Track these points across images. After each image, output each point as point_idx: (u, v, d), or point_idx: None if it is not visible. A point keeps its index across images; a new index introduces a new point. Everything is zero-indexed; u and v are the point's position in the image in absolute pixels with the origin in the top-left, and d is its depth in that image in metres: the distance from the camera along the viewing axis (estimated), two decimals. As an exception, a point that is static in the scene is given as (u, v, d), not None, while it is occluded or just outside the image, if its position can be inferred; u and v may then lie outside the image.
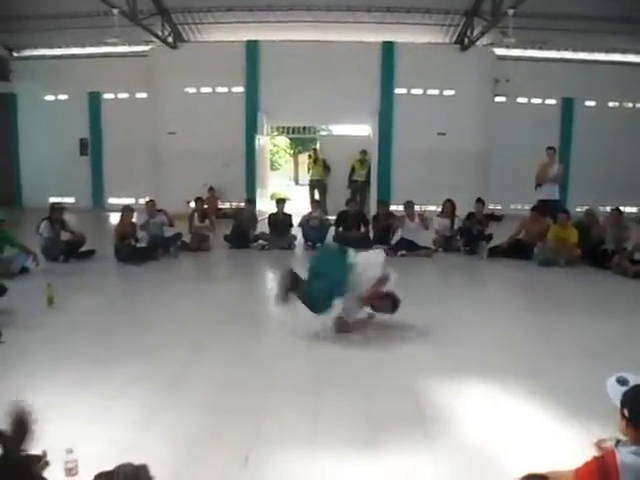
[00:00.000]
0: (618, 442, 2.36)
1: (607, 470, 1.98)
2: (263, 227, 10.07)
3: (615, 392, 2.23)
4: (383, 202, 10.84)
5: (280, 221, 9.82)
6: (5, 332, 4.61)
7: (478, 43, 13.56)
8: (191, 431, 3.11)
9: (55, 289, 5.73)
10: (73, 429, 2.99)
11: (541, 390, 3.69)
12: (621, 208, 8.91)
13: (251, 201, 10.73)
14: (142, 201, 13.81)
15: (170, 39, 14.01)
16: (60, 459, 2.52)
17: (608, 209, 9.60)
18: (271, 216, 10.08)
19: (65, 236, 8.44)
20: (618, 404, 2.18)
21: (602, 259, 8.09)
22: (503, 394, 3.67)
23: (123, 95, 15.66)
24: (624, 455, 2.00)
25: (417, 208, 9.76)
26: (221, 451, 2.90)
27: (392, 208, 10.57)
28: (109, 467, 2.53)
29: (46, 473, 2.15)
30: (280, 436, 3.08)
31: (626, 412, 2.12)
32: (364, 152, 14.10)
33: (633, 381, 2.24)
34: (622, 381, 2.26)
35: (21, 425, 2.11)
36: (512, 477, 2.39)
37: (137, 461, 2.58)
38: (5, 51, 15.71)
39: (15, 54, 15.91)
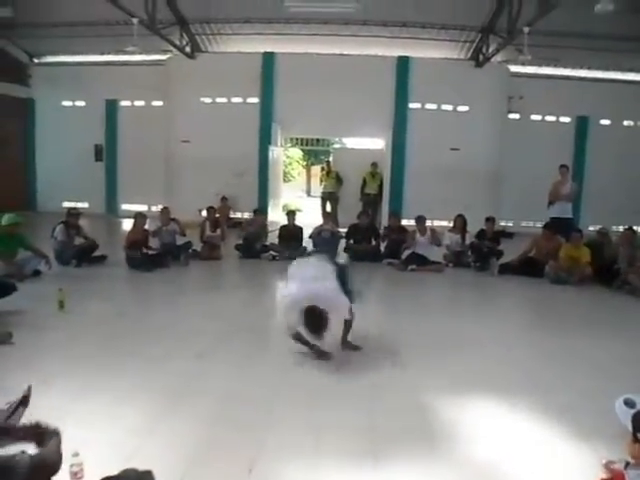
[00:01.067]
0: (627, 464, 2.33)
1: None
2: (274, 238, 10.08)
3: (624, 414, 2.21)
4: (395, 214, 10.83)
5: (291, 233, 9.83)
6: (16, 333, 4.65)
7: (493, 60, 13.61)
8: (195, 441, 3.10)
9: (66, 293, 5.77)
10: (78, 434, 2.98)
11: (550, 409, 3.65)
12: (635, 227, 8.85)
13: (261, 211, 10.73)
14: (155, 208, 13.95)
15: (188, 49, 14.19)
16: (66, 462, 2.52)
17: (621, 228, 9.53)
18: (282, 228, 10.08)
19: (79, 241, 8.52)
20: (628, 425, 2.15)
21: (614, 278, 8.02)
22: (511, 412, 3.63)
23: (139, 103, 15.85)
24: (634, 477, 1.97)
25: (428, 223, 9.72)
26: (224, 462, 2.89)
27: (404, 222, 10.55)
28: (114, 472, 2.54)
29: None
30: (284, 449, 3.06)
31: None
32: (375, 165, 14.13)
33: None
34: (629, 403, 2.23)
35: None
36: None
37: (141, 467, 2.58)
38: (25, 57, 15.99)
39: (35, 60, 16.20)
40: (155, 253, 8.72)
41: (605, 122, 15.12)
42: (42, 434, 2.09)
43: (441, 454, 3.05)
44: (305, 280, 4.39)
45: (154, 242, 8.91)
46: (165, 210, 9.38)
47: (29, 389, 2.44)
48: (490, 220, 9.62)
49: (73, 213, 8.61)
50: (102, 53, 15.48)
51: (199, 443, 3.07)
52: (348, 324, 4.69)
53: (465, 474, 2.86)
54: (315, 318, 4.11)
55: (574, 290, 7.94)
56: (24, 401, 2.47)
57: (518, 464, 2.96)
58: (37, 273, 7.34)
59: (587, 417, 3.49)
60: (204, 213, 10.17)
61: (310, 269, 4.55)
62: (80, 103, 16.11)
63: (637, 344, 5.39)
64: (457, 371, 4.43)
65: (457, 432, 3.32)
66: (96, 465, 2.60)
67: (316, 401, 3.73)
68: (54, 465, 1.96)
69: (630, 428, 2.14)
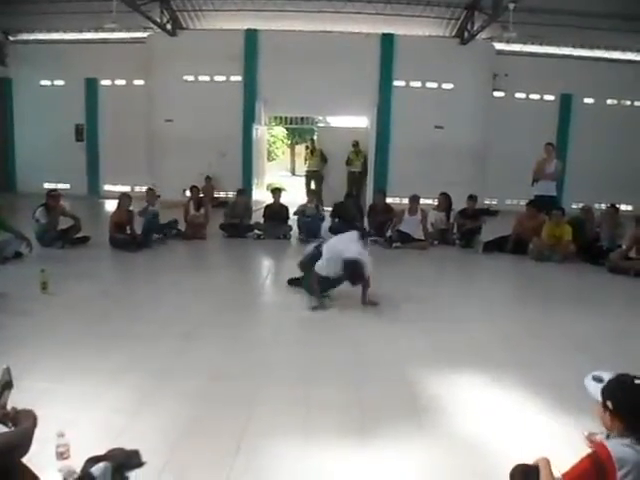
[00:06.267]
0: (609, 436, 2.36)
1: (602, 464, 1.97)
2: (259, 217, 10.03)
3: (594, 388, 2.24)
4: (380, 191, 10.80)
5: (276, 211, 9.78)
6: (-3, 316, 4.60)
7: (478, 37, 13.53)
8: (183, 419, 3.10)
9: (49, 275, 5.70)
10: (64, 414, 2.98)
11: (534, 383, 3.70)
12: (617, 205, 8.92)
13: (244, 191, 10.62)
14: (138, 189, 13.86)
15: (169, 26, 13.92)
16: (52, 443, 2.52)
17: (604, 206, 9.61)
18: (267, 207, 10.02)
19: (65, 222, 8.39)
20: (598, 398, 2.18)
21: (597, 256, 8.10)
22: (496, 386, 3.68)
23: (120, 82, 15.57)
24: (616, 447, 2.00)
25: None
26: (212, 439, 2.90)
27: (388, 200, 10.55)
28: (100, 452, 2.53)
29: (38, 457, 2.14)
30: (272, 425, 3.08)
31: (609, 404, 2.11)
32: (356, 143, 14.07)
33: (608, 378, 2.24)
34: (598, 378, 2.27)
35: None
36: (504, 468, 2.40)
37: (128, 447, 2.58)
38: (1, 35, 15.56)
39: (11, 38, 15.77)
40: (138, 233, 8.65)
41: (589, 100, 15.18)
42: (16, 416, 2.07)
43: (428, 428, 3.09)
44: (344, 243, 5.44)
45: (139, 221, 8.84)
46: (151, 191, 9.40)
47: (8, 372, 2.40)
48: (472, 198, 9.65)
49: (53, 194, 8.45)
50: (81, 30, 15.12)
51: (186, 421, 3.07)
52: (368, 283, 5.48)
53: (451, 448, 2.89)
54: (357, 268, 5.14)
55: (557, 267, 8.02)
56: (7, 385, 2.44)
57: (503, 438, 3.00)
58: (18, 255, 7.22)
59: (570, 391, 3.53)
60: (188, 193, 10.09)
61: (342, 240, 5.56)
62: (59, 82, 15.78)
63: (619, 320, 5.50)
64: (443, 346, 4.48)
65: (443, 406, 3.36)
66: (82, 445, 2.59)
67: (302, 376, 3.75)
68: (16, 447, 1.94)
69: (600, 399, 2.17)
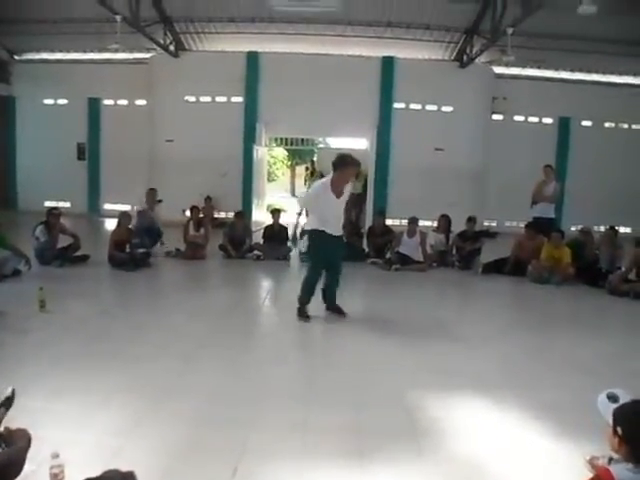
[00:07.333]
0: (611, 460, 2.34)
1: None
2: (258, 238, 10.02)
3: (606, 408, 2.22)
4: (380, 212, 10.81)
5: (276, 233, 9.77)
6: (-6, 335, 4.57)
7: (477, 61, 13.69)
8: (178, 441, 3.06)
9: (47, 293, 5.67)
10: (59, 435, 2.94)
11: (534, 406, 3.67)
12: (616, 227, 8.94)
13: (242, 214, 10.47)
14: (138, 208, 13.84)
15: (171, 47, 14.07)
16: (46, 464, 2.48)
17: (602, 228, 9.62)
18: (267, 228, 10.00)
19: (65, 240, 8.38)
20: (609, 420, 2.17)
21: (596, 278, 8.09)
22: (496, 409, 3.65)
23: (122, 101, 15.69)
24: (621, 472, 1.98)
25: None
26: (208, 462, 2.86)
27: (388, 222, 10.55)
28: (95, 473, 2.50)
29: (32, 478, 2.11)
30: (269, 448, 3.04)
31: (619, 430, 2.10)
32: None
33: (623, 397, 2.23)
34: (612, 397, 2.25)
35: None
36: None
37: (124, 468, 2.54)
38: (6, 54, 15.73)
39: (16, 57, 15.94)
40: (138, 252, 8.64)
41: (587, 123, 15.30)
42: (10, 436, 2.05)
43: (427, 453, 3.05)
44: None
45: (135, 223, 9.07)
46: (151, 192, 9.64)
47: (13, 392, 2.39)
48: (471, 220, 9.67)
49: (54, 213, 8.45)
50: (85, 51, 15.33)
51: (182, 443, 3.04)
52: None
53: (451, 473, 2.85)
54: None
55: (556, 289, 8.00)
56: (7, 403, 2.43)
57: (503, 461, 2.96)
58: (17, 273, 7.20)
59: (571, 414, 3.51)
60: (188, 213, 10.10)
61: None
62: (62, 101, 15.90)
63: (618, 342, 5.48)
64: (442, 368, 4.45)
65: (443, 430, 3.32)
66: (77, 466, 2.55)
67: (300, 399, 3.72)
68: (8, 467, 1.91)
69: (610, 422, 2.16)
